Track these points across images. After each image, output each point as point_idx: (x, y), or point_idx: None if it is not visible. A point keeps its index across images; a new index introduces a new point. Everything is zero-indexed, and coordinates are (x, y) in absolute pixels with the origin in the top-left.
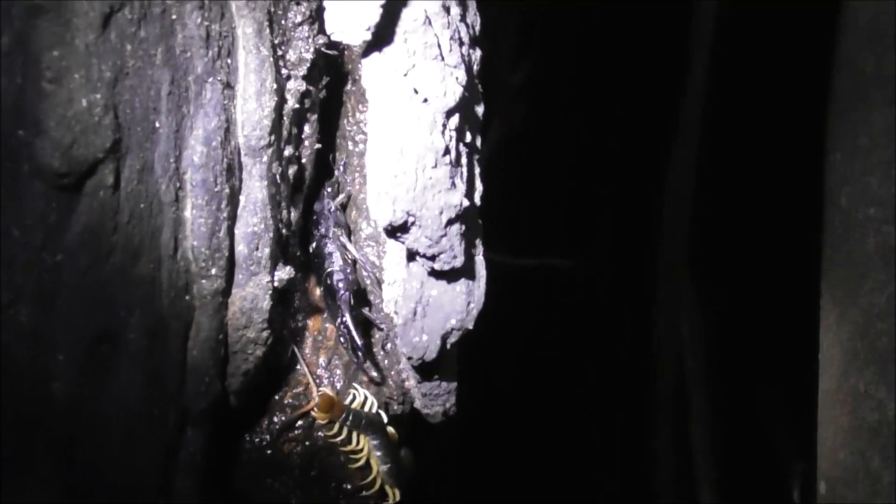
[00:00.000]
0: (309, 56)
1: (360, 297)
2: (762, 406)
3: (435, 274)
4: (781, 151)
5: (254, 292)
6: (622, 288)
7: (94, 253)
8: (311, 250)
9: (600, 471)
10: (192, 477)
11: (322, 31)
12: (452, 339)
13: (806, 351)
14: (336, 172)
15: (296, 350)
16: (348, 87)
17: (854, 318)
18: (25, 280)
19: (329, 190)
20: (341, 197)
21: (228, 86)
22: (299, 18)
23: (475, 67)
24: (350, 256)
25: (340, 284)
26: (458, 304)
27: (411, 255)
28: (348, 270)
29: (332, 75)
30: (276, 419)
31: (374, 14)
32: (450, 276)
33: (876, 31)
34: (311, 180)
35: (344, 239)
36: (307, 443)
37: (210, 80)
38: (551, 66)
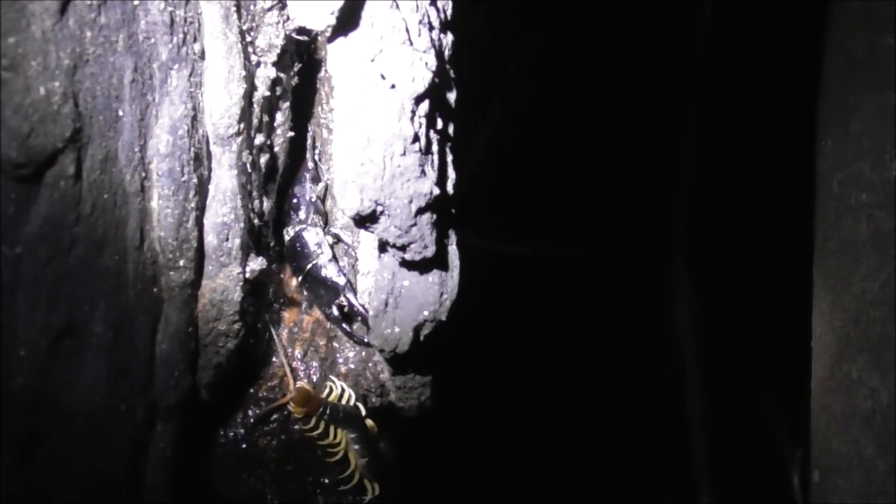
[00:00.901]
0: (279, 42)
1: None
2: (758, 393)
3: (406, 264)
4: (774, 138)
5: (224, 284)
6: (624, 278)
7: (56, 245)
8: (286, 239)
9: (600, 465)
10: (163, 472)
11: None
12: (425, 331)
13: (801, 338)
14: (312, 161)
15: (272, 342)
16: (322, 73)
17: (847, 305)
18: None
19: (308, 177)
20: (320, 186)
21: (195, 73)
22: (268, 3)
23: (447, 52)
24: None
25: (333, 270)
26: (431, 296)
27: (382, 246)
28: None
29: (305, 62)
30: (250, 413)
31: None
32: (421, 266)
33: (867, 15)
34: (285, 169)
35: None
36: (283, 437)
37: (175, 67)
38: (554, 53)
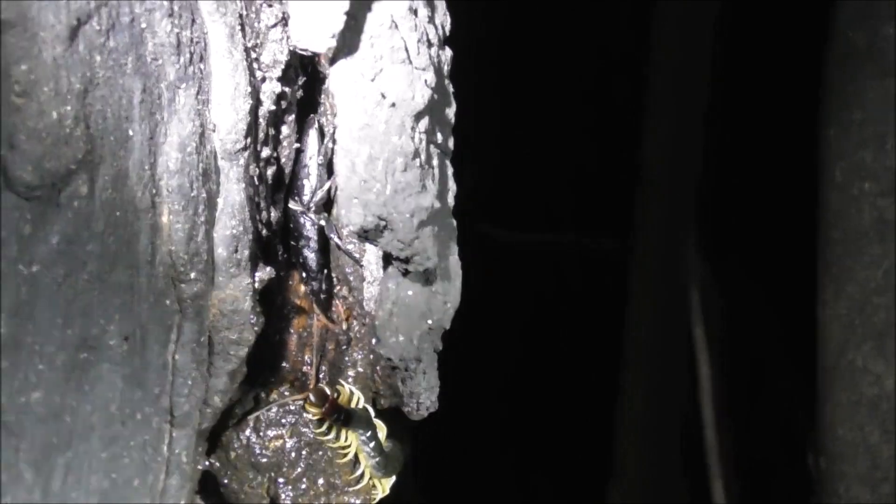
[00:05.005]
0: (283, 58)
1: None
2: (771, 379)
3: (409, 276)
4: (778, 128)
5: (234, 294)
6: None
7: (71, 263)
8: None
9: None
10: (179, 477)
11: None
12: (429, 339)
13: (807, 328)
14: (317, 170)
15: (281, 348)
16: (325, 85)
17: (851, 293)
18: (2, 292)
19: (314, 185)
20: (321, 194)
21: (202, 91)
22: (272, 20)
23: (445, 68)
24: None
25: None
26: (434, 305)
27: (386, 258)
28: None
29: (309, 74)
30: (262, 416)
31: (338, 21)
32: (424, 277)
33: (868, 7)
34: (291, 179)
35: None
36: (294, 439)
37: (183, 86)
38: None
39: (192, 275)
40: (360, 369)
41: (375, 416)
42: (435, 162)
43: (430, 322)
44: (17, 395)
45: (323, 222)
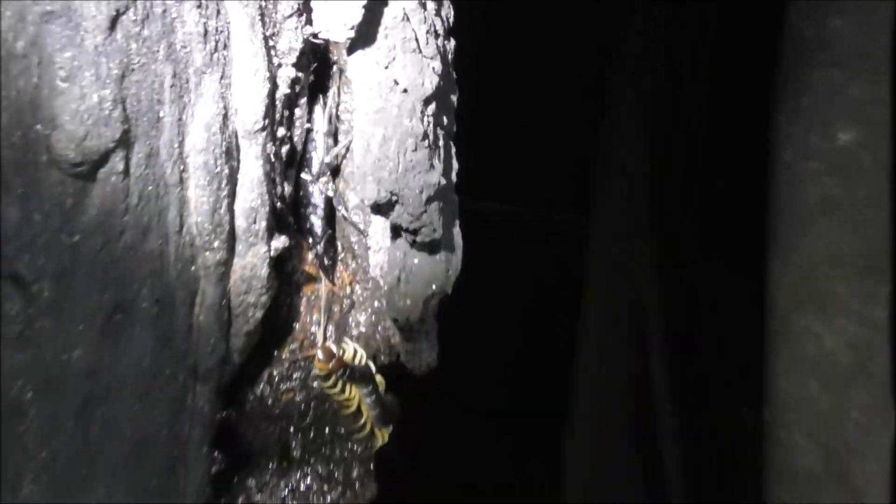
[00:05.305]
0: (298, 46)
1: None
2: (718, 341)
3: (417, 245)
4: (733, 117)
5: (252, 261)
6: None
7: (108, 233)
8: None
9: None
10: (201, 426)
11: (309, 22)
12: (433, 303)
13: (757, 294)
14: (325, 147)
15: (292, 311)
16: (333, 70)
17: (796, 263)
18: (47, 260)
19: (323, 161)
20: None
21: (225, 76)
22: (288, 12)
23: (450, 57)
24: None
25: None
26: (438, 272)
27: (395, 229)
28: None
29: (320, 60)
30: (275, 372)
31: (356, 14)
32: (430, 247)
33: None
34: (302, 155)
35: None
36: (303, 393)
37: (208, 71)
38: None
39: (216, 244)
40: (363, 329)
41: (376, 372)
42: (441, 143)
43: (434, 287)
44: (61, 353)
45: (331, 193)
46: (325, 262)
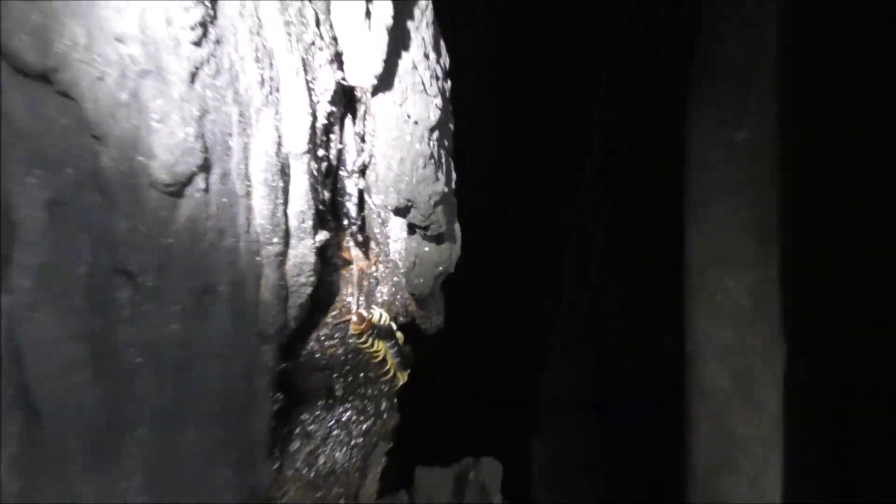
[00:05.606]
0: (332, 86)
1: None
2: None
3: (427, 238)
4: (656, 122)
5: (302, 251)
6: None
7: (194, 235)
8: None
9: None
10: (267, 378)
11: (340, 68)
12: (440, 280)
13: (679, 255)
14: (353, 162)
15: (333, 287)
16: (358, 103)
17: (707, 232)
18: (149, 258)
19: (352, 173)
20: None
21: (278, 112)
22: (324, 61)
23: (447, 94)
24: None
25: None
26: (443, 257)
27: (411, 227)
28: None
29: (348, 95)
30: (321, 333)
31: (378, 67)
32: (437, 239)
33: (722, 26)
34: (336, 169)
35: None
36: (342, 347)
37: (265, 109)
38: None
39: (275, 239)
40: (386, 298)
41: (396, 330)
42: (443, 160)
43: (440, 268)
44: (162, 328)
45: (362, 186)
46: (359, 239)
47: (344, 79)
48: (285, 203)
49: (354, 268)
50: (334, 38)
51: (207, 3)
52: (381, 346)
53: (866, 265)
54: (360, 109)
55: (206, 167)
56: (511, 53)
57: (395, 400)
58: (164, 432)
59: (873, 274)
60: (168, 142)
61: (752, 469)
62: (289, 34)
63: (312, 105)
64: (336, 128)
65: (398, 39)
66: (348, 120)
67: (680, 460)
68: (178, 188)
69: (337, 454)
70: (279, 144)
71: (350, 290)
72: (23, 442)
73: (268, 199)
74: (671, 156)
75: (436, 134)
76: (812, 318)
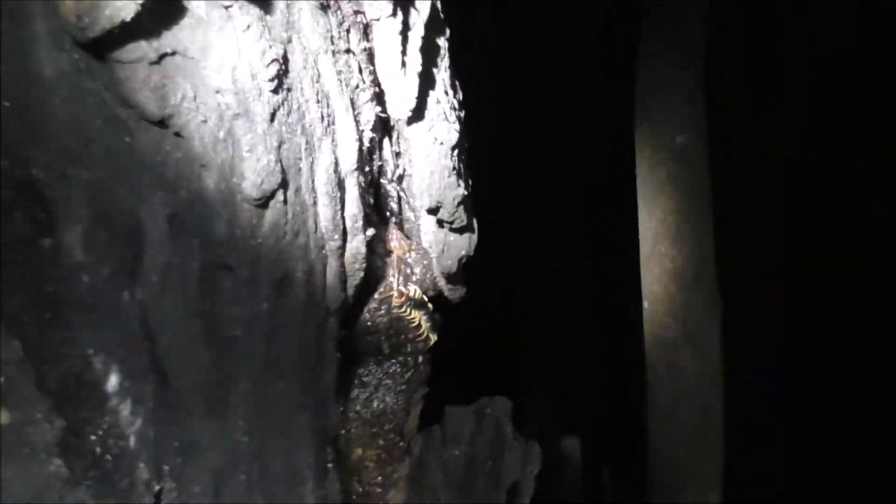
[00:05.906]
0: (373, 118)
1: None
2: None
3: (452, 231)
4: (613, 128)
5: (356, 245)
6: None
7: (276, 235)
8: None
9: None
10: (333, 342)
11: (380, 104)
12: (463, 261)
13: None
14: (390, 175)
15: (379, 272)
16: (391, 126)
17: (656, 215)
18: (242, 255)
19: (391, 182)
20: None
21: (334, 140)
22: (366, 98)
23: (462, 121)
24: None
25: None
26: (465, 244)
27: (440, 222)
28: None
29: (386, 123)
30: (371, 306)
31: (412, 102)
32: (460, 231)
33: (663, 36)
34: (379, 176)
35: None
36: (387, 316)
37: (325, 138)
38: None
39: (335, 237)
40: (418, 277)
41: (427, 301)
42: (462, 171)
43: (463, 253)
44: (255, 306)
45: (400, 192)
46: (398, 233)
47: (382, 112)
48: (342, 209)
49: (395, 255)
50: (373, 81)
51: (281, 61)
52: (416, 315)
53: (775, 233)
54: (395, 133)
55: (284, 185)
56: (509, 90)
57: (429, 355)
58: (259, 386)
59: (784, 240)
60: (255, 167)
61: (700, 402)
62: (340, 80)
63: (359, 133)
64: (377, 149)
65: (425, 81)
66: (386, 141)
67: (639, 396)
68: (263, 202)
69: (387, 398)
70: (336, 164)
71: (392, 273)
72: (156, 399)
73: (329, 207)
74: (624, 156)
75: (456, 151)
76: (741, 278)
